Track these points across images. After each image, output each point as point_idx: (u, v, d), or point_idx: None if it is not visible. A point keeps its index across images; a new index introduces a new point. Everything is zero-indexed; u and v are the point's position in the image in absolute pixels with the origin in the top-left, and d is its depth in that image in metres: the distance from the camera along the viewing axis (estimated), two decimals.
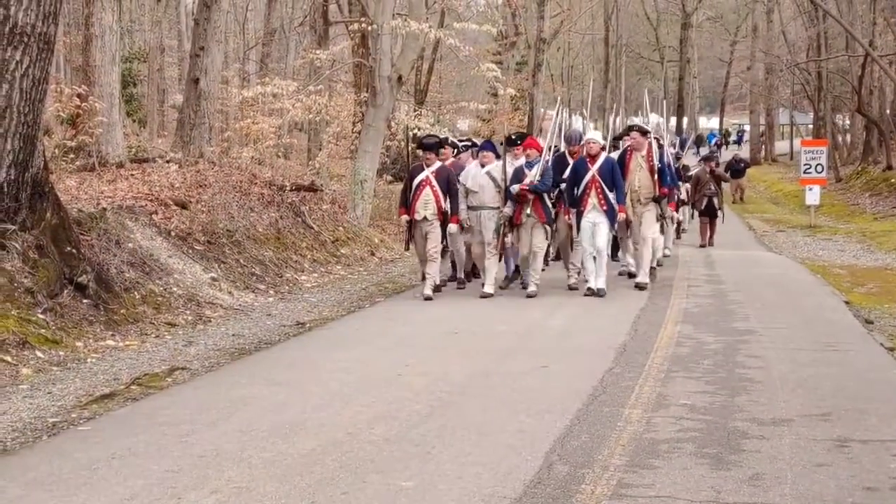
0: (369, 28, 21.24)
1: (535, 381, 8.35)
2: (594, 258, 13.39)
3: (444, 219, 13.38)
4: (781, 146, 60.77)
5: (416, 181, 13.36)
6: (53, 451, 6.43)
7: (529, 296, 13.18)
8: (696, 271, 16.73)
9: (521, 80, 38.81)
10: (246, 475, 5.82)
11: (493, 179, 13.51)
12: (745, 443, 6.51)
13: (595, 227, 13.25)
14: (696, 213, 22.57)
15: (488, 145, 14.25)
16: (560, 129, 15.13)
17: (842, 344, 10.13)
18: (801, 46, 50.46)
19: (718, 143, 58.58)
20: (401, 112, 26.06)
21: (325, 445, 6.41)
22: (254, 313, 12.60)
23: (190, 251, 13.89)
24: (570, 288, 13.96)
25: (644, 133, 14.48)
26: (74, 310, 10.35)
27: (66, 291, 10.42)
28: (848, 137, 48.47)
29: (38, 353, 9.19)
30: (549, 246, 14.13)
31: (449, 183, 13.35)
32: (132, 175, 16.12)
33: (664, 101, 19.46)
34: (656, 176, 14.20)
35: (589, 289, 13.29)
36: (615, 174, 13.40)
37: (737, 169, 35.15)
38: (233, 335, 11.05)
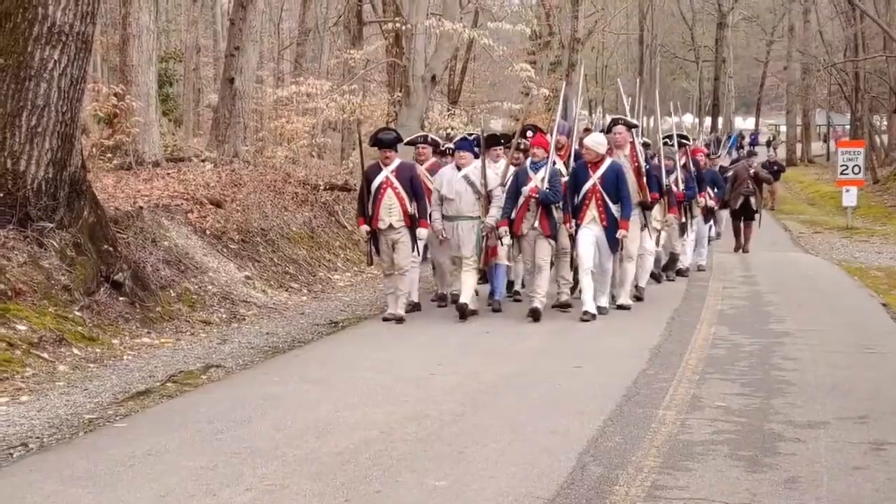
0: (403, 28, 21.27)
1: (569, 382, 8.32)
2: (592, 275, 11.50)
3: (413, 224, 11.49)
4: (818, 147, 60.22)
5: (374, 184, 11.39)
6: (90, 447, 6.49)
7: (533, 310, 11.32)
8: (732, 273, 16.63)
9: (555, 80, 38.70)
10: (280, 473, 5.84)
11: (472, 184, 11.53)
12: (780, 445, 6.47)
13: (598, 244, 11.48)
14: (730, 214, 20.68)
15: (465, 144, 11.93)
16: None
17: (879, 346, 10.03)
18: (839, 46, 49.97)
19: (738, 146, 56.79)
20: (434, 112, 26.06)
21: (358, 444, 6.42)
22: (287, 312, 12.65)
23: (224, 250, 13.98)
24: (563, 306, 12.02)
25: (630, 127, 12.66)
26: (111, 307, 10.44)
27: (102, 289, 10.52)
28: (885, 138, 47.96)
29: (75, 350, 9.28)
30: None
31: (413, 182, 11.44)
32: (168, 174, 16.24)
33: (671, 103, 18.45)
34: (644, 179, 12.36)
35: (586, 312, 11.30)
36: (621, 183, 11.44)
37: (770, 172, 31.88)
38: (266, 333, 11.11)
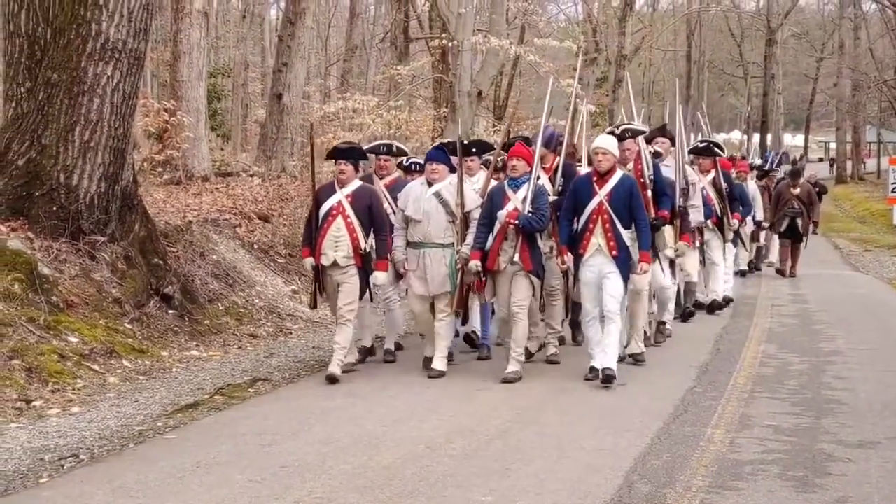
0: (450, 44, 21.37)
1: (615, 399, 8.28)
2: (600, 324, 9.03)
3: (365, 265, 9.18)
4: (869, 164, 59.52)
5: (323, 209, 9.12)
6: (139, 458, 6.55)
7: (506, 380, 8.89)
8: (781, 290, 16.44)
9: (602, 97, 38.65)
10: (327, 486, 5.87)
11: (444, 204, 9.23)
12: (831, 465, 6.39)
13: (603, 279, 8.88)
14: (776, 237, 18.87)
15: (438, 154, 9.50)
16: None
17: None
18: (889, 63, 49.39)
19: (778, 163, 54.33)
20: (479, 127, 26.12)
21: (404, 458, 6.43)
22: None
23: (272, 264, 14.08)
24: (549, 361, 9.87)
25: (636, 135, 10.33)
26: (160, 320, 10.55)
27: (152, 302, 10.63)
28: None
29: (125, 362, 9.38)
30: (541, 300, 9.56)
31: (372, 211, 9.08)
32: (217, 188, 16.42)
33: (700, 116, 16.63)
34: (649, 193, 10.08)
35: (592, 369, 8.92)
36: (635, 202, 8.93)
37: None
38: (313, 347, 11.15)
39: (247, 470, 6.18)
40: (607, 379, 8.64)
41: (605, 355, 8.79)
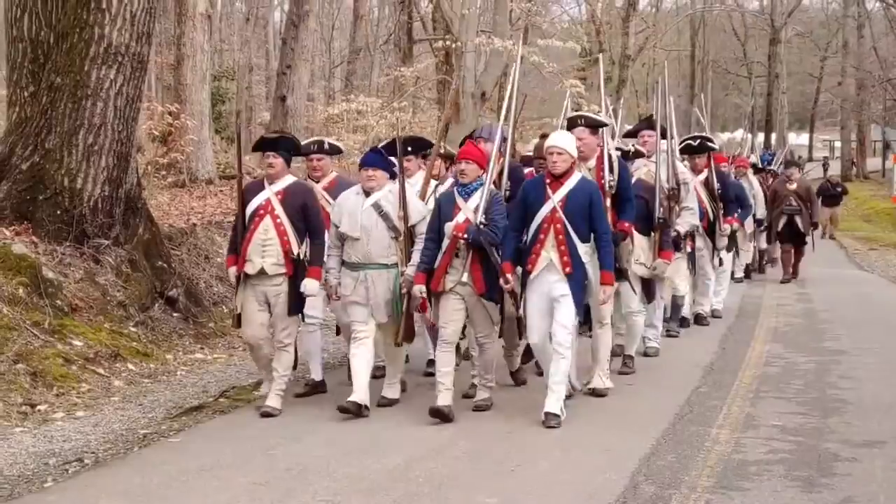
0: (453, 45, 21.38)
1: (620, 400, 8.27)
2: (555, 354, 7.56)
3: (298, 274, 7.80)
4: (873, 163, 59.42)
5: (249, 208, 7.83)
6: (144, 462, 6.55)
7: (478, 408, 7.88)
8: (786, 290, 16.40)
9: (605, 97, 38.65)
10: (331, 489, 5.86)
11: (385, 217, 7.80)
12: (836, 465, 6.37)
13: (553, 302, 7.50)
14: (776, 238, 17.18)
15: (374, 158, 7.97)
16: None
17: None
18: (893, 62, 49.40)
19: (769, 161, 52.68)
20: None
21: (409, 461, 6.43)
22: (337, 328, 12.66)
23: None
24: (477, 408, 7.96)
25: (595, 128, 8.49)
26: (165, 323, 10.55)
27: (156, 305, 10.63)
28: None
29: (130, 366, 9.37)
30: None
31: (306, 212, 7.84)
32: (221, 191, 16.44)
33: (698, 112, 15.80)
34: (608, 200, 8.26)
35: (547, 415, 7.38)
36: (595, 211, 7.55)
37: (832, 195, 27.50)
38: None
39: (251, 473, 6.18)
40: (549, 421, 7.31)
41: (551, 394, 7.43)
